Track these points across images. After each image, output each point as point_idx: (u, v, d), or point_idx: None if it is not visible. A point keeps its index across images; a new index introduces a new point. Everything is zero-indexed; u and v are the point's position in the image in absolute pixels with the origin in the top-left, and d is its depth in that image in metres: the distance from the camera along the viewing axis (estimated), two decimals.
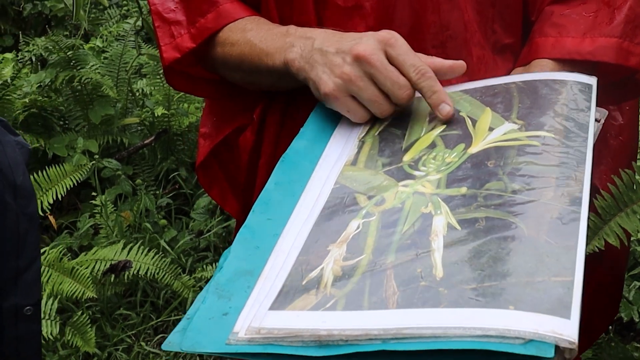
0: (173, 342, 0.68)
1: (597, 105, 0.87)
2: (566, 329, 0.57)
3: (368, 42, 0.87)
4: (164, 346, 0.69)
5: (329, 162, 0.87)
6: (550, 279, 0.61)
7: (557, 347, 0.57)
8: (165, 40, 1.05)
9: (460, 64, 0.90)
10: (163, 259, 2.42)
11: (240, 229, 0.80)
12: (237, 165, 1.22)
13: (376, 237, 0.72)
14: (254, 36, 0.98)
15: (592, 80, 0.89)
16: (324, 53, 0.89)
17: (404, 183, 0.79)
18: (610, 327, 1.93)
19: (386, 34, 0.87)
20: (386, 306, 0.63)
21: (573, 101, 0.86)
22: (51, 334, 2.07)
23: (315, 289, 0.68)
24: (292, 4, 1.02)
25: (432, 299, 0.62)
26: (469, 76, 0.99)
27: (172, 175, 3.02)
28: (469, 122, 0.86)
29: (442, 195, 0.75)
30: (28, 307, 1.00)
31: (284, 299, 0.68)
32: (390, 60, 0.86)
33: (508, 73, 1.02)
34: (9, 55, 3.41)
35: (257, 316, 0.67)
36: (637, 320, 1.75)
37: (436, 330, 0.59)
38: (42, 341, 2.07)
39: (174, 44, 1.04)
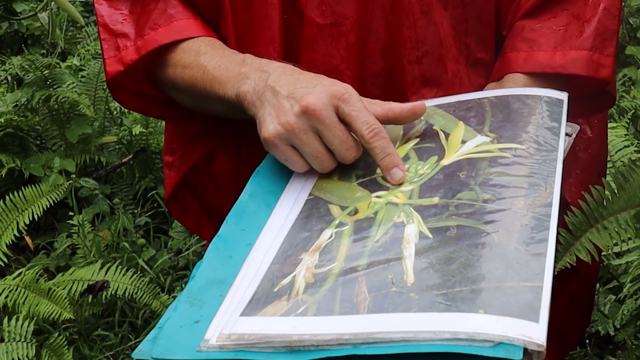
0: (143, 350, 0.68)
1: (570, 118, 0.89)
2: (535, 332, 0.58)
3: (320, 95, 0.81)
4: (134, 355, 0.68)
5: (303, 175, 0.87)
6: (520, 284, 0.62)
7: (525, 350, 0.58)
8: (110, 54, 1.00)
9: (420, 105, 0.86)
10: (141, 279, 2.40)
11: (213, 239, 0.80)
12: (213, 191, 1.18)
13: (348, 246, 0.73)
14: (208, 61, 0.94)
15: (563, 96, 0.91)
16: (275, 93, 0.84)
17: (377, 194, 0.81)
18: (587, 341, 1.94)
19: (341, 88, 0.83)
20: (357, 311, 0.64)
21: (544, 115, 0.87)
22: (27, 356, 2.04)
23: (287, 295, 0.68)
24: (253, 19, 0.99)
25: (402, 304, 0.63)
26: (444, 90, 1.00)
27: (150, 194, 3.01)
28: (442, 136, 0.87)
29: (414, 205, 0.77)
30: None
31: (255, 305, 0.68)
32: (342, 116, 0.82)
33: (481, 88, 1.03)
34: None
35: (229, 323, 0.67)
36: (612, 333, 1.76)
37: (407, 335, 0.60)
38: None
39: (119, 57, 0.99)
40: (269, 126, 0.83)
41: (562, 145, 0.83)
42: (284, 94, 0.83)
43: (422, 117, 0.91)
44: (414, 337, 0.59)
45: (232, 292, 0.72)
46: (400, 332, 0.60)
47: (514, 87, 0.95)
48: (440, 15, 0.99)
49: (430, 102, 0.95)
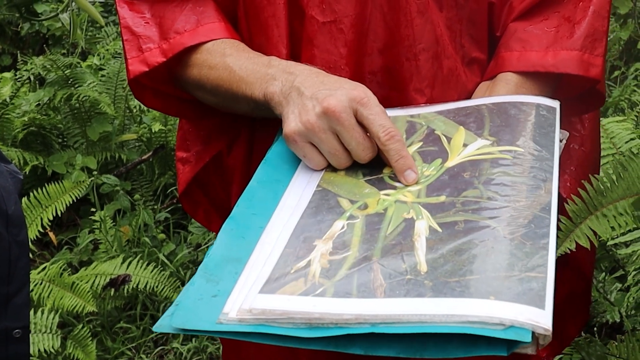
0: (163, 324, 0.71)
1: (563, 117, 0.93)
2: (542, 318, 0.63)
3: (341, 98, 0.86)
4: (155, 328, 0.71)
5: (310, 168, 0.91)
6: (526, 275, 0.67)
7: (532, 334, 0.63)
8: (133, 54, 1.04)
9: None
10: (162, 273, 2.46)
11: (226, 220, 0.84)
12: (220, 187, 1.21)
13: (361, 237, 0.77)
14: (234, 62, 0.99)
15: (556, 104, 0.96)
16: (300, 93, 0.89)
17: (385, 192, 0.85)
18: (595, 328, 1.97)
19: (361, 92, 0.88)
20: (375, 295, 0.68)
21: (539, 121, 0.91)
22: (52, 347, 2.10)
23: (304, 277, 0.72)
24: (264, 20, 1.03)
25: (417, 290, 0.68)
26: (440, 87, 1.04)
27: (169, 190, 3.06)
28: (444, 139, 0.91)
29: (422, 203, 0.81)
30: (17, 330, 1.01)
31: (273, 284, 0.72)
32: (360, 119, 0.87)
33: (476, 86, 1.06)
34: (7, 75, 3.46)
35: (248, 298, 0.70)
36: (618, 320, 1.79)
37: (423, 317, 0.64)
38: (44, 354, 2.11)
39: (142, 58, 1.03)
40: (291, 123, 0.88)
41: (557, 148, 0.87)
42: (307, 94, 0.88)
43: (423, 123, 0.96)
44: (430, 320, 0.64)
45: (248, 271, 0.76)
46: (417, 314, 0.64)
47: (509, 95, 0.99)
48: (436, 15, 1.02)
49: (430, 109, 0.99)
